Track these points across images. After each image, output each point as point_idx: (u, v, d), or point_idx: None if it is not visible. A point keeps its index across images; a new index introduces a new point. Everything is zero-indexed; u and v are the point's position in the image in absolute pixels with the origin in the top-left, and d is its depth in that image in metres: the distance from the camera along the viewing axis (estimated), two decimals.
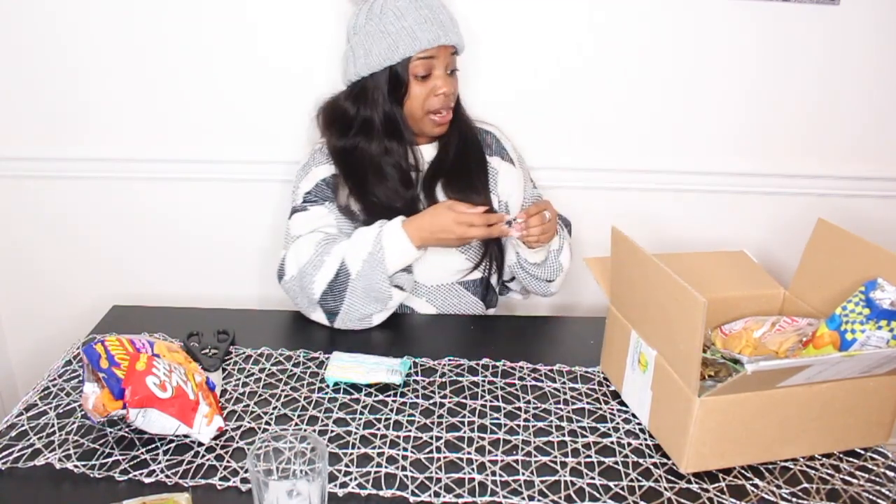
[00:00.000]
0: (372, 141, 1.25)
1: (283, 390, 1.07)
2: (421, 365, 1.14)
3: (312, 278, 1.18)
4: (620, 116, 1.52)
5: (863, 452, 0.96)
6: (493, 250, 1.32)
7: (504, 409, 1.04)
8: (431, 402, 1.05)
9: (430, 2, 1.21)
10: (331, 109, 1.30)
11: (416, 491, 0.87)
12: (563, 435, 0.99)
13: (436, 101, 1.22)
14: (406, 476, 0.90)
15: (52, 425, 0.97)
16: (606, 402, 1.06)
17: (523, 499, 0.87)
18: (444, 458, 0.93)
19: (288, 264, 1.22)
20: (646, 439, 0.98)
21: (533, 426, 1.00)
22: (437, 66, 1.21)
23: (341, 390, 1.07)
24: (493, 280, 1.37)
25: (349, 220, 1.26)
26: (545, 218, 1.19)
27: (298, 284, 1.20)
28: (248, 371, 1.12)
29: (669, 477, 0.91)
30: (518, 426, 1.00)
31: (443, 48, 1.20)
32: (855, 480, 0.91)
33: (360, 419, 1.00)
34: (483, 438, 0.97)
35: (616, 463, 0.93)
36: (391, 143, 1.25)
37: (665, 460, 0.94)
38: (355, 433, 0.97)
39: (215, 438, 0.95)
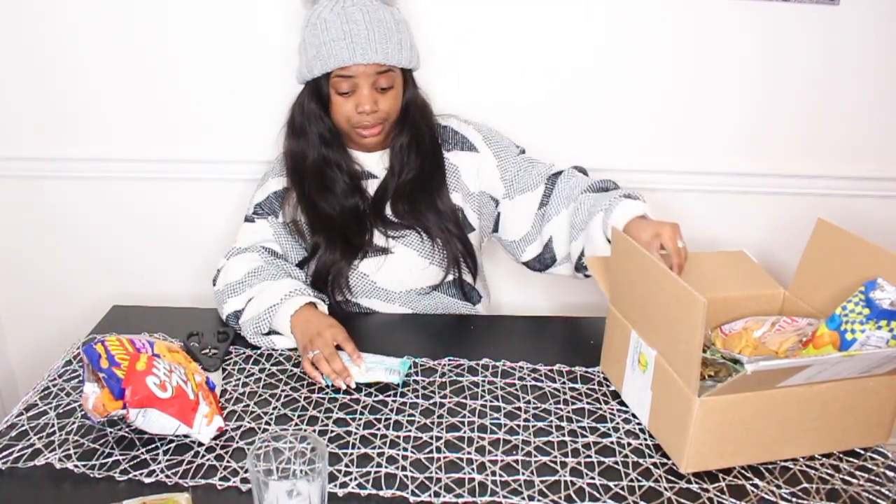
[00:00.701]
0: (310, 147, 1.25)
1: (283, 390, 1.07)
2: (421, 365, 1.14)
3: (226, 300, 1.22)
4: (620, 117, 1.52)
5: (863, 452, 0.96)
6: (456, 250, 1.29)
7: (504, 409, 1.04)
8: (431, 402, 1.05)
9: (361, 17, 1.15)
10: (290, 112, 1.29)
11: (416, 491, 0.87)
12: (563, 435, 0.99)
13: (359, 118, 1.19)
14: (406, 476, 0.90)
15: (53, 425, 0.97)
16: (606, 402, 1.06)
17: (523, 499, 0.87)
18: (444, 458, 0.93)
19: (220, 277, 1.26)
20: (646, 439, 0.98)
21: (533, 426, 1.00)
22: (360, 84, 1.17)
23: (341, 390, 1.07)
24: (468, 277, 1.35)
25: (291, 237, 1.29)
26: (678, 244, 1.07)
27: (218, 299, 1.25)
28: (248, 371, 1.12)
29: (669, 477, 0.91)
30: (518, 426, 1.00)
31: (365, 66, 1.16)
32: (855, 480, 0.91)
33: (360, 419, 1.00)
34: (483, 438, 0.97)
35: (616, 463, 0.93)
36: (327, 151, 1.25)
37: (665, 460, 0.94)
38: (355, 433, 0.97)
39: (215, 438, 0.95)
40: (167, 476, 0.88)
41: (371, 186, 1.29)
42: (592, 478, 0.90)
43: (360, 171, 1.29)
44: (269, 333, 1.18)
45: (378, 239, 1.27)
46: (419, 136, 1.27)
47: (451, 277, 1.31)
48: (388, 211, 1.28)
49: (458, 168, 1.30)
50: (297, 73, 1.25)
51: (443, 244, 1.27)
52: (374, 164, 1.29)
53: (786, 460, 0.94)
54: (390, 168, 1.28)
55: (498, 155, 1.31)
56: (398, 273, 1.28)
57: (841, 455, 0.96)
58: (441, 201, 1.28)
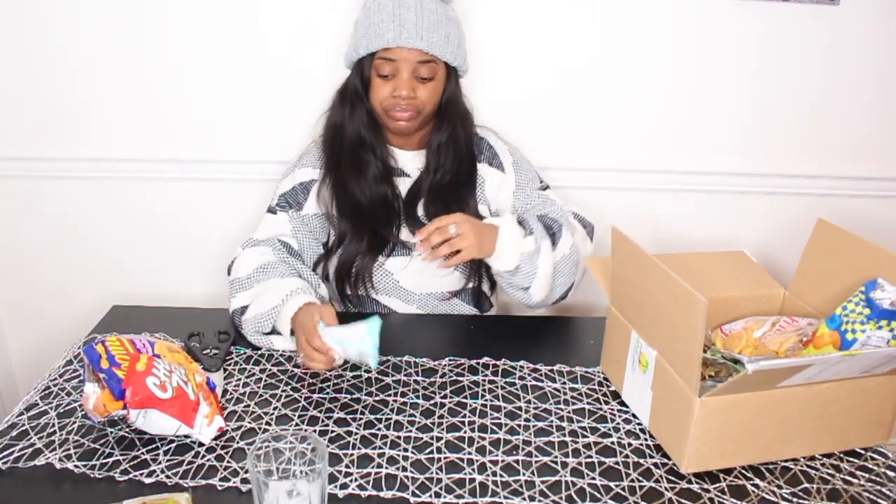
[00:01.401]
0: (349, 122, 1.25)
1: (283, 390, 1.07)
2: (421, 365, 1.14)
3: (235, 294, 1.22)
4: (621, 117, 1.52)
5: (863, 452, 0.96)
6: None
7: (504, 409, 1.04)
8: (432, 402, 1.05)
9: (413, 4, 1.16)
10: (339, 88, 1.30)
11: (417, 491, 0.87)
12: (564, 435, 0.99)
13: (392, 102, 1.20)
14: (407, 477, 0.90)
15: (53, 425, 0.97)
16: (607, 403, 1.06)
17: (524, 499, 0.87)
18: (445, 458, 0.93)
19: (233, 267, 1.26)
20: (646, 439, 0.98)
21: (533, 426, 1.00)
22: (401, 69, 1.18)
23: (343, 390, 1.07)
24: (486, 287, 1.36)
25: (310, 233, 1.29)
26: (449, 231, 1.11)
27: (229, 289, 1.24)
28: (249, 371, 1.12)
29: (670, 477, 0.91)
30: (518, 426, 1.00)
31: (407, 51, 1.16)
32: (855, 480, 0.91)
33: (360, 419, 1.00)
34: (483, 438, 0.97)
35: (617, 463, 0.93)
36: (365, 132, 1.25)
37: (666, 460, 0.94)
38: (356, 433, 0.97)
39: (216, 439, 0.95)
40: (167, 476, 0.88)
41: (403, 184, 1.29)
42: (593, 478, 0.90)
43: (393, 166, 1.29)
44: (270, 332, 1.17)
45: (406, 236, 1.27)
46: (456, 138, 1.27)
47: (471, 285, 1.32)
48: (420, 211, 1.28)
49: (484, 181, 1.31)
50: (345, 56, 1.26)
51: None
52: (409, 161, 1.29)
53: (786, 460, 0.94)
54: (426, 167, 1.28)
55: (519, 183, 1.32)
56: (422, 275, 1.29)
57: (841, 455, 0.96)
58: (469, 208, 1.28)
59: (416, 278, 1.29)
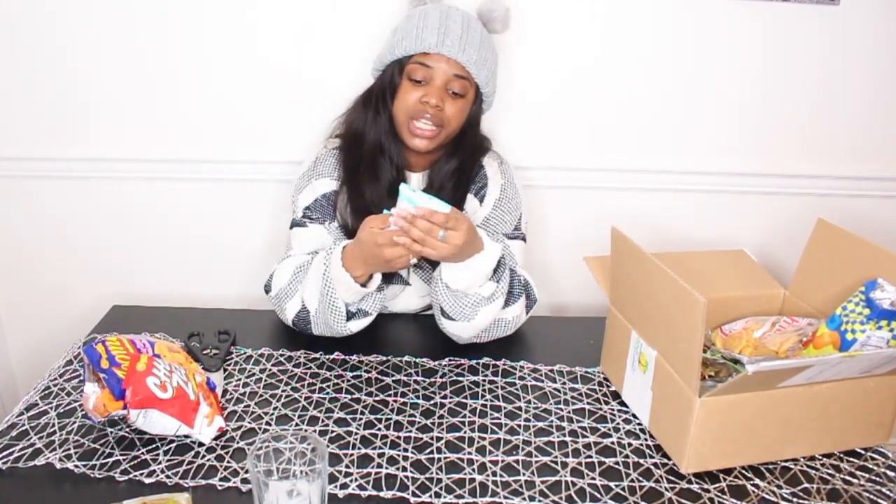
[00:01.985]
0: (372, 126, 1.23)
1: (283, 391, 1.07)
2: (421, 365, 1.14)
3: (284, 306, 1.19)
4: (620, 116, 1.52)
5: (863, 452, 0.96)
6: None
7: (504, 409, 1.04)
8: (432, 402, 1.05)
9: (461, 19, 1.16)
10: (364, 92, 1.28)
11: (417, 492, 0.87)
12: (564, 435, 0.99)
13: (419, 109, 1.16)
14: (407, 477, 0.90)
15: (53, 425, 0.97)
16: (607, 403, 1.06)
17: (524, 499, 0.87)
18: (445, 458, 0.93)
19: (272, 283, 1.21)
20: (646, 439, 0.98)
21: (533, 426, 1.00)
22: (436, 77, 1.15)
23: (343, 390, 1.07)
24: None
25: (346, 238, 1.25)
26: (437, 235, 1.03)
27: (277, 305, 1.21)
28: (249, 371, 1.12)
29: (670, 477, 0.91)
30: (518, 426, 1.00)
31: (446, 61, 1.15)
32: (855, 480, 0.91)
33: (360, 419, 1.00)
34: (484, 439, 0.97)
35: (617, 463, 0.93)
36: (386, 139, 1.23)
37: (666, 460, 0.94)
38: (356, 434, 0.97)
39: (216, 439, 0.95)
40: (167, 476, 0.88)
41: None
42: (593, 478, 0.91)
43: (405, 175, 1.27)
44: (348, 319, 1.14)
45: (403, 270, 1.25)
46: (464, 169, 1.25)
47: None
48: None
49: (465, 211, 1.27)
50: (376, 59, 1.23)
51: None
52: (414, 182, 1.27)
53: (786, 460, 0.94)
54: (426, 187, 1.25)
55: (487, 220, 1.25)
56: (408, 303, 1.30)
57: (841, 455, 0.96)
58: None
59: (401, 304, 1.30)
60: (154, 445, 0.93)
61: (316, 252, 1.21)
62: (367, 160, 1.23)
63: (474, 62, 1.16)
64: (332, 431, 0.98)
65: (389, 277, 1.24)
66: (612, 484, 0.90)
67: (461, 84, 1.17)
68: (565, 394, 1.08)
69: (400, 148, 1.25)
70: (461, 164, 1.25)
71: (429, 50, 1.15)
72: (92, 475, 0.88)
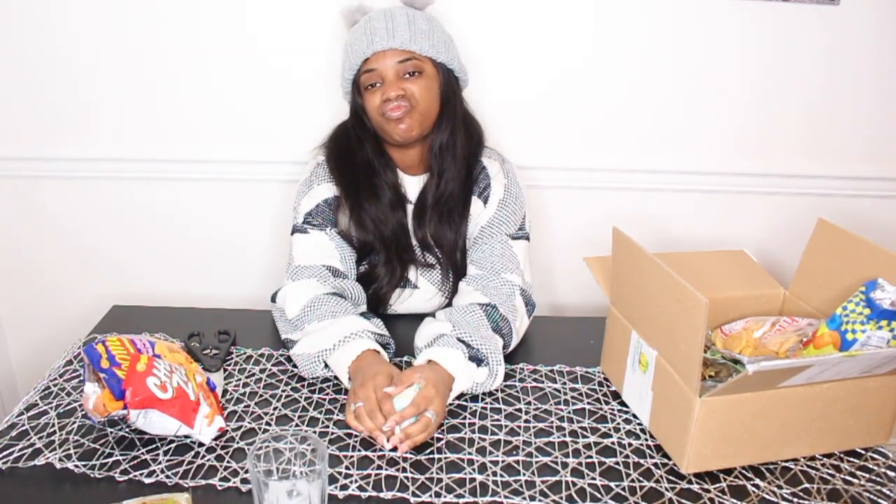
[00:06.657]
0: (359, 153, 1.25)
1: (283, 391, 1.07)
2: None
3: (283, 331, 1.18)
4: (621, 116, 1.52)
5: (863, 452, 0.96)
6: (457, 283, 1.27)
7: (505, 410, 1.04)
8: None
9: (382, 16, 1.18)
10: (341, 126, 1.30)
11: (417, 491, 0.87)
12: (564, 435, 0.99)
13: (385, 105, 1.17)
14: (407, 478, 0.90)
15: (53, 425, 0.97)
16: (607, 403, 1.06)
17: (524, 499, 0.87)
18: (445, 458, 0.93)
19: (281, 301, 1.19)
20: (647, 440, 0.98)
21: (534, 427, 1.00)
22: (385, 74, 1.16)
23: (343, 391, 1.07)
24: None
25: (352, 249, 1.25)
26: (428, 423, 0.96)
27: (279, 320, 1.20)
28: (249, 371, 1.12)
29: (670, 477, 0.91)
30: (519, 427, 1.00)
31: (384, 55, 1.16)
32: (856, 480, 0.91)
33: None
34: (484, 439, 0.97)
35: (617, 463, 0.93)
36: (374, 158, 1.24)
37: (666, 461, 0.94)
38: (356, 435, 0.97)
39: (216, 439, 0.95)
40: (167, 476, 0.88)
41: (410, 210, 1.27)
42: (593, 478, 0.90)
43: (402, 193, 1.27)
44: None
45: (411, 273, 1.27)
46: (455, 140, 1.24)
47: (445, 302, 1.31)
48: (423, 234, 1.26)
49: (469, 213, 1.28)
50: (341, 89, 1.26)
51: (454, 280, 1.27)
52: (415, 185, 1.27)
53: (787, 460, 0.94)
54: (430, 174, 1.26)
55: (492, 222, 1.24)
56: (415, 306, 1.30)
57: (842, 455, 0.96)
58: (459, 236, 1.26)
59: (407, 306, 1.30)
60: (154, 445, 0.93)
61: (322, 266, 1.20)
62: (365, 182, 1.24)
63: (408, 40, 1.17)
64: (333, 433, 0.98)
65: (398, 282, 1.25)
66: (612, 484, 0.90)
67: (411, 64, 1.18)
68: (565, 394, 1.08)
69: (392, 165, 1.26)
70: (451, 135, 1.24)
71: (364, 56, 1.17)
72: (92, 475, 0.88)
